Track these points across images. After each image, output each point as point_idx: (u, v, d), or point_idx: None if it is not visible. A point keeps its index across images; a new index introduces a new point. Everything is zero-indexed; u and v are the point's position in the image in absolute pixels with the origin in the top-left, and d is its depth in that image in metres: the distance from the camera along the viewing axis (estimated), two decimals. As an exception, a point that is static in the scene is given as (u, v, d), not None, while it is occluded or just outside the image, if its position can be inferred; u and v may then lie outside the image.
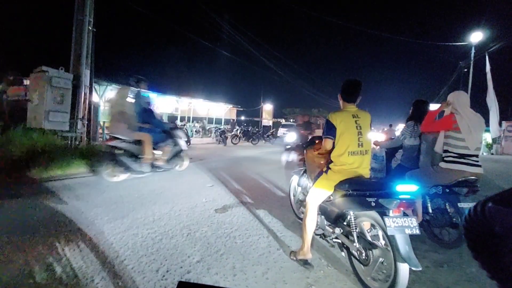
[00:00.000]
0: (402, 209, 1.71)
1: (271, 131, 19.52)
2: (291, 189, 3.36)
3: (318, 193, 2.18)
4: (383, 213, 1.74)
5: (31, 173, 4.30)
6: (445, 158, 2.51)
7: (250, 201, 3.84)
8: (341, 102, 2.25)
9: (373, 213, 1.84)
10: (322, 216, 2.33)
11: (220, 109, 22.22)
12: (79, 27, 5.48)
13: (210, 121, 21.65)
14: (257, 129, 18.18)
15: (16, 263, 1.93)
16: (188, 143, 11.64)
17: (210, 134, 17.14)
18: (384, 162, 3.46)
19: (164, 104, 16.10)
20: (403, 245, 1.64)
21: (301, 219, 2.95)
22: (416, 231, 1.67)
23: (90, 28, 5.68)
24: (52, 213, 2.91)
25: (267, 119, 30.75)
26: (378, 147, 3.45)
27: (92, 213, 2.94)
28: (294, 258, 2.24)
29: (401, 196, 1.67)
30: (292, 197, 3.34)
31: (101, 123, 10.93)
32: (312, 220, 2.18)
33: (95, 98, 11.21)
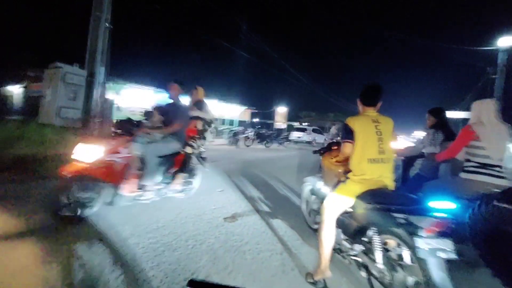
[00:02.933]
0: (437, 229, 1.49)
1: (284, 134, 19.17)
2: (303, 197, 3.10)
3: (337, 201, 1.98)
4: (413, 232, 1.52)
5: (35, 171, 4.23)
6: (465, 168, 2.32)
7: (262, 209, 3.56)
8: (360, 106, 2.14)
9: (401, 231, 1.61)
10: (339, 229, 2.12)
11: (234, 111, 22.11)
12: (95, 24, 5.44)
13: (223, 122, 21.58)
14: (270, 132, 17.86)
15: (13, 264, 1.75)
16: (201, 144, 11.56)
17: (223, 136, 17.01)
18: (400, 171, 3.32)
19: (178, 104, 16.13)
20: (437, 271, 1.42)
21: (314, 230, 2.75)
22: (453, 256, 1.43)
23: (107, 25, 5.64)
24: (47, 216, 2.75)
25: (281, 122, 30.37)
26: (395, 155, 3.32)
27: (92, 217, 2.75)
28: (312, 280, 1.95)
29: (436, 214, 1.47)
30: (304, 206, 3.07)
31: (114, 121, 11.06)
32: (330, 232, 1.96)
33: (111, 96, 11.37)
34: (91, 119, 5.58)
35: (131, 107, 15.18)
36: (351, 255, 2.00)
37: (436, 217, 1.48)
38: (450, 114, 13.41)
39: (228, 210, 3.37)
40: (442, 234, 1.50)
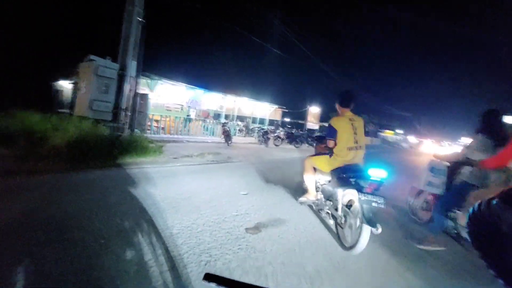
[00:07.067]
0: (372, 188, 2.33)
1: (316, 135, 18.33)
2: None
3: (316, 163, 3.08)
4: (359, 189, 2.34)
5: (62, 164, 4.26)
6: None
7: (290, 218, 3.11)
8: (339, 109, 2.89)
9: (354, 190, 2.42)
10: (322, 194, 3.08)
11: (264, 109, 21.76)
12: (128, 17, 5.44)
13: (254, 120, 21.34)
14: (301, 132, 17.16)
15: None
16: (230, 142, 11.40)
17: (253, 134, 16.75)
18: (444, 177, 3.15)
19: (209, 101, 16.23)
20: (368, 213, 2.23)
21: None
22: (381, 206, 2.24)
23: (140, 19, 5.61)
24: (56, 213, 2.62)
25: (313, 122, 29.28)
26: (438, 160, 3.30)
27: (103, 218, 2.54)
28: (301, 201, 3.30)
29: (372, 178, 2.31)
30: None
31: (150, 115, 11.34)
32: (310, 175, 3.14)
33: (146, 91, 11.70)
34: (121, 112, 5.60)
35: (167, 103, 15.62)
36: (325, 210, 2.94)
37: (372, 181, 2.32)
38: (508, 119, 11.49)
39: (252, 218, 2.99)
40: (377, 192, 2.34)
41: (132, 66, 5.67)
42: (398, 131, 37.00)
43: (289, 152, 11.59)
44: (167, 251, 2.08)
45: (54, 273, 1.65)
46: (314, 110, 29.89)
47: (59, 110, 11.19)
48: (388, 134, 35.53)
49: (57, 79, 17.12)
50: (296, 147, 14.26)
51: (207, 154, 7.44)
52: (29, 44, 16.78)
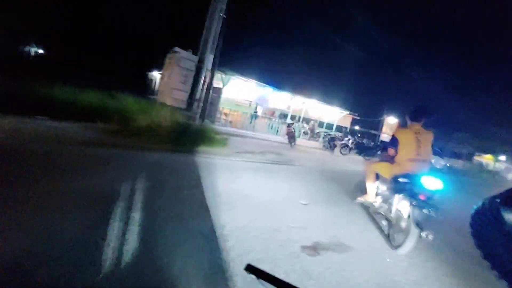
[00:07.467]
0: (426, 196, 2.53)
1: (381, 143, 16.23)
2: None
3: (378, 168, 3.25)
4: (413, 196, 2.56)
5: (141, 142, 4.68)
6: None
7: (356, 246, 2.60)
8: (408, 121, 2.99)
9: (408, 197, 2.62)
10: (380, 198, 3.31)
11: (333, 114, 20.53)
12: (211, 12, 5.66)
13: (320, 124, 20.38)
14: (373, 143, 15.48)
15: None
16: (293, 143, 11.06)
17: (318, 138, 15.97)
18: None
19: (277, 100, 16.15)
20: (417, 217, 2.47)
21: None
22: (432, 214, 2.45)
23: (221, 15, 5.78)
24: (128, 188, 2.77)
25: (387, 134, 26.22)
26: None
27: (166, 201, 2.60)
28: (360, 201, 3.51)
29: (426, 187, 2.51)
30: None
31: (220, 108, 11.97)
32: (371, 179, 3.31)
33: (219, 85, 12.37)
34: (195, 102, 5.91)
35: (236, 98, 16.27)
36: (381, 212, 3.21)
37: (425, 190, 2.53)
38: None
39: (309, 235, 2.61)
40: (432, 201, 2.57)
41: (210, 59, 5.91)
42: (501, 157, 29.93)
43: (357, 163, 10.51)
44: (214, 252, 1.92)
45: (110, 243, 1.67)
46: (391, 121, 26.77)
47: (149, 96, 12.89)
48: (486, 159, 29.05)
49: (151, 70, 19.85)
50: (365, 159, 12.84)
51: (269, 153, 7.29)
52: (133, 39, 19.82)
